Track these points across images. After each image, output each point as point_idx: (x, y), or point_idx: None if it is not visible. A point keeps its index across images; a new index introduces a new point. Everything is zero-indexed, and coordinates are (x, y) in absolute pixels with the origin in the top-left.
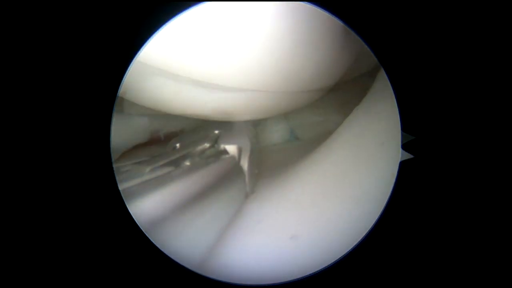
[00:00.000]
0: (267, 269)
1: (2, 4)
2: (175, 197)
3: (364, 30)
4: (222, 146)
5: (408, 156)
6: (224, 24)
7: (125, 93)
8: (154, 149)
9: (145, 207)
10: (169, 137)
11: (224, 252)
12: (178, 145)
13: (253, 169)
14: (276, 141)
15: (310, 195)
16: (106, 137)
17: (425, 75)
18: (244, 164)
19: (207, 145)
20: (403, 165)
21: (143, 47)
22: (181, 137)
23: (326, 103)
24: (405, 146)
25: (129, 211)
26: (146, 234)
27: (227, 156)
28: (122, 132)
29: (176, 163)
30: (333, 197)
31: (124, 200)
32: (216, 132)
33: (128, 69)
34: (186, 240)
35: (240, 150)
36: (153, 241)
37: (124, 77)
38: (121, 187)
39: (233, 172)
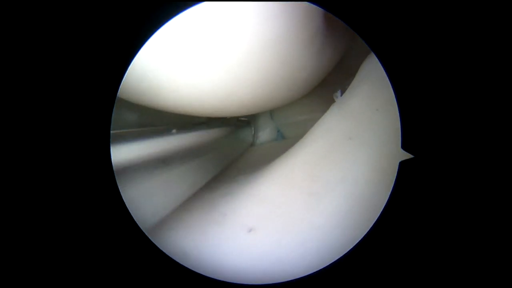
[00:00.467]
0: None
1: (2, 4)
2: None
3: (364, 30)
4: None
5: (408, 156)
6: (210, 25)
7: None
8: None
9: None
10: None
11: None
12: (175, 130)
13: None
14: (263, 140)
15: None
16: (105, 137)
17: (425, 75)
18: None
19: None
20: (403, 165)
21: (142, 47)
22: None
23: (312, 101)
24: (405, 146)
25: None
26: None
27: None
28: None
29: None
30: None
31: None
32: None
33: (127, 69)
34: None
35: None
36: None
37: (124, 77)
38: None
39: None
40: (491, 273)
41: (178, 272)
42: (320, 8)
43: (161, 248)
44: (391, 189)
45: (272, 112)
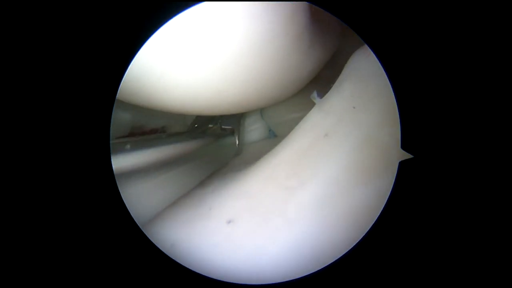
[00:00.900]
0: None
1: (2, 4)
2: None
3: (363, 29)
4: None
5: (408, 156)
6: (199, 25)
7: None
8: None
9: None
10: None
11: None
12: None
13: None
14: (255, 139)
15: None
16: (104, 136)
17: (425, 75)
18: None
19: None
20: (402, 165)
21: (141, 47)
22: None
23: (304, 99)
24: (404, 147)
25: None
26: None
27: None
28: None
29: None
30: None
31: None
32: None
33: (127, 69)
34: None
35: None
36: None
37: (123, 77)
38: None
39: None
40: (491, 273)
41: (166, 263)
42: (308, 5)
43: (151, 239)
44: (387, 189)
45: (262, 111)
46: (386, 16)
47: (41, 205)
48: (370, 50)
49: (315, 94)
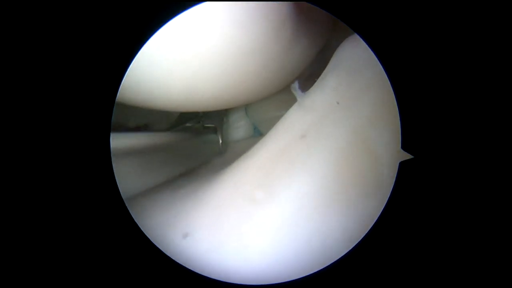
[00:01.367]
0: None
1: (2, 4)
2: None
3: (365, 31)
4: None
5: (408, 156)
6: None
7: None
8: None
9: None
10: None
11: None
12: None
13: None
14: (239, 137)
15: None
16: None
17: (425, 75)
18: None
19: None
20: (402, 165)
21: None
22: None
23: (290, 96)
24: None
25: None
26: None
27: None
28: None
29: None
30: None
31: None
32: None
33: (128, 69)
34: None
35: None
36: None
37: (124, 77)
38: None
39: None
40: (491, 273)
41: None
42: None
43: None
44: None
45: (247, 108)
46: (386, 16)
47: (40, 203)
48: (358, 39)
49: (296, 85)
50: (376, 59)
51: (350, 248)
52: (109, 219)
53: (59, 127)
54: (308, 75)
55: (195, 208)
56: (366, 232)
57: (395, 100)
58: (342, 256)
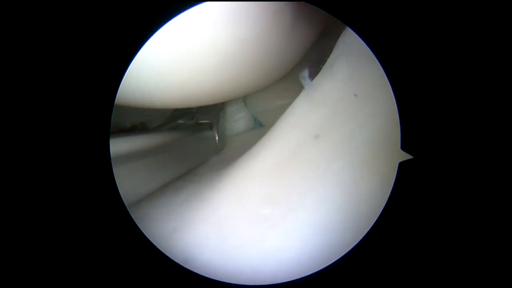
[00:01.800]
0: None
1: (2, 4)
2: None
3: (365, 31)
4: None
5: (407, 156)
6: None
7: None
8: None
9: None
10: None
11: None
12: None
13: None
14: (239, 130)
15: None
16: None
17: (425, 75)
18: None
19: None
20: (402, 165)
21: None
22: None
23: (290, 84)
24: (404, 146)
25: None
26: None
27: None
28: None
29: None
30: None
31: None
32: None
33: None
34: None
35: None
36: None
37: (123, 77)
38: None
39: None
40: (491, 273)
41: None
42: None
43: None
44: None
45: (246, 99)
46: (386, 16)
47: (40, 202)
48: None
49: (306, 73)
50: None
51: (350, 248)
52: (112, 225)
53: (58, 128)
54: (315, 62)
55: (197, 219)
56: (366, 232)
57: None
58: (342, 256)
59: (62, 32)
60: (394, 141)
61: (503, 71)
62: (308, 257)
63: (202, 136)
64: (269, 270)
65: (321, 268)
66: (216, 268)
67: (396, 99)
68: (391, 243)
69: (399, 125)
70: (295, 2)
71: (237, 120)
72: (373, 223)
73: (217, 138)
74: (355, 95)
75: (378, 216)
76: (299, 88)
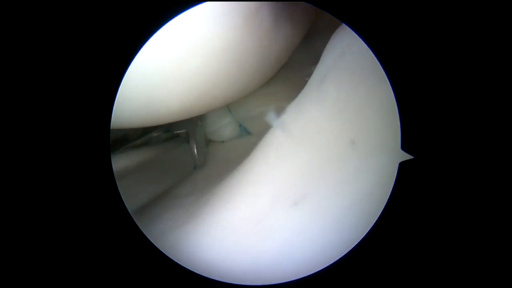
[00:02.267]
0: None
1: (2, 4)
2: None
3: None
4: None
5: (407, 157)
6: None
7: None
8: None
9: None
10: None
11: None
12: None
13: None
14: (223, 138)
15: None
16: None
17: (425, 75)
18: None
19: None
20: (402, 165)
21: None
22: None
23: (277, 89)
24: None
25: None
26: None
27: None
28: None
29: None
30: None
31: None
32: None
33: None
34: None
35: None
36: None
37: (123, 79)
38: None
39: None
40: (491, 273)
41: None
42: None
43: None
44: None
45: (230, 105)
46: (387, 16)
47: (40, 203)
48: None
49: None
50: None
51: (350, 248)
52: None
53: (57, 128)
54: (296, 68)
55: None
56: (366, 232)
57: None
58: (342, 256)
59: (61, 32)
60: (394, 141)
61: (503, 71)
62: (308, 257)
63: (181, 150)
64: (269, 270)
65: (321, 268)
66: (216, 268)
67: (396, 99)
68: (391, 243)
69: (399, 125)
70: (292, 2)
71: (219, 128)
72: (373, 223)
73: (195, 151)
74: (353, 142)
75: (378, 216)
76: (286, 92)
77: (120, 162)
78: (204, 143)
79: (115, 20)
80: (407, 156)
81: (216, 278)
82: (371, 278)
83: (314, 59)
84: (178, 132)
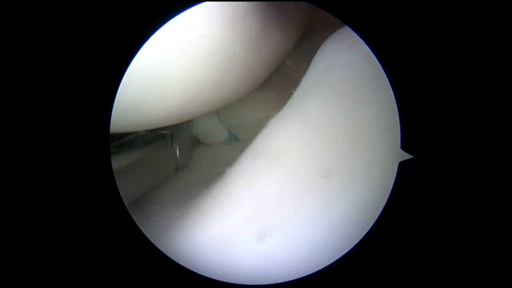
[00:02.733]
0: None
1: (2, 4)
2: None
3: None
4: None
5: (407, 156)
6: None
7: None
8: None
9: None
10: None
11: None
12: None
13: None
14: (212, 141)
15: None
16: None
17: (425, 74)
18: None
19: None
20: (402, 165)
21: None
22: None
23: (268, 96)
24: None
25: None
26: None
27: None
28: None
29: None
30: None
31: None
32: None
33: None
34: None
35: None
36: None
37: (123, 78)
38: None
39: None
40: (491, 273)
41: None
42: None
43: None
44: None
45: (219, 112)
46: (387, 16)
47: (39, 203)
48: (351, 33)
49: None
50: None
51: (350, 248)
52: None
53: (57, 128)
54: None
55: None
56: (366, 232)
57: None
58: (342, 256)
59: (60, 32)
60: (394, 141)
61: (503, 71)
62: (308, 257)
63: (165, 152)
64: (269, 270)
65: (321, 268)
66: (216, 268)
67: (396, 99)
68: (391, 243)
69: (399, 125)
70: (293, 2)
71: (208, 131)
72: (373, 223)
73: (177, 153)
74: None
75: (378, 216)
76: (277, 99)
77: None
78: (188, 146)
79: (104, 27)
80: (407, 156)
81: None
82: (371, 278)
83: (309, 65)
84: (163, 132)
